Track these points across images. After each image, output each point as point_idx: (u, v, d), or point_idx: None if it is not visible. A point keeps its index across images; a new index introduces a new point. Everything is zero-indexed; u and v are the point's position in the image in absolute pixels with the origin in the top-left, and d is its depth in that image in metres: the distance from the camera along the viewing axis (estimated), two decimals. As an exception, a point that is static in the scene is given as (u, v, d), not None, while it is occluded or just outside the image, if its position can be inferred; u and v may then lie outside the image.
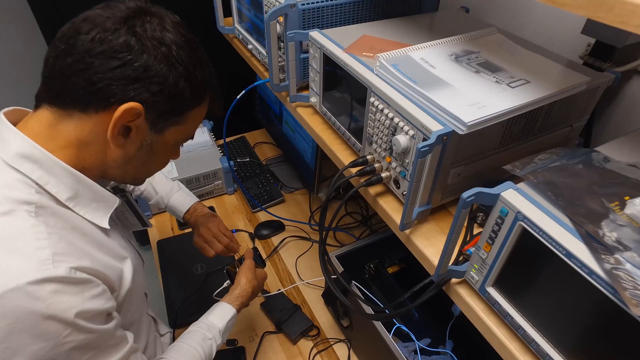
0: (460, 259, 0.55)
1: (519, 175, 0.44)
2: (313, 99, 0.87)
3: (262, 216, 1.45)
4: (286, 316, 1.10)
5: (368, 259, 1.11)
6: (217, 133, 1.69)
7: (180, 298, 1.13)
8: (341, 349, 1.07)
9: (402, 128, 0.57)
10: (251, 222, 1.44)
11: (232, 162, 1.47)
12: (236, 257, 1.04)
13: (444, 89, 0.57)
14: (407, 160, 0.59)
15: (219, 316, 0.85)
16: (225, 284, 0.98)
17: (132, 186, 1.07)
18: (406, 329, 0.94)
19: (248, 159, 1.68)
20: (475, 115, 0.50)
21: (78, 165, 0.59)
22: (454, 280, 0.54)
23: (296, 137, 1.43)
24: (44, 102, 0.57)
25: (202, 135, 1.62)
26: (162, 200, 1.07)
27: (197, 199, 1.11)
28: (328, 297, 1.02)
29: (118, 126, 0.56)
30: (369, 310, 0.83)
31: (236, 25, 1.17)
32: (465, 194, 0.41)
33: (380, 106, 0.62)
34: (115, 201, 0.65)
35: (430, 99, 0.55)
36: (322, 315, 1.14)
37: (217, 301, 0.90)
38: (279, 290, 1.18)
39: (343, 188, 1.41)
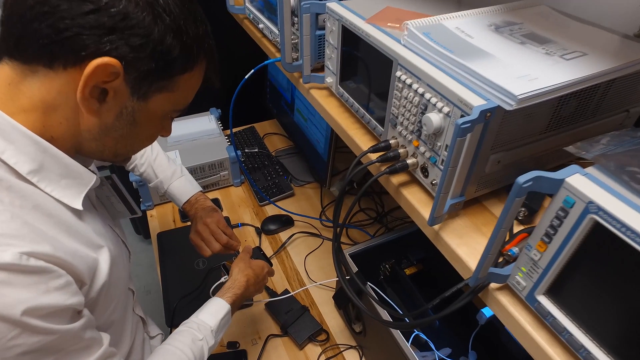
0: (500, 260, 0.47)
1: (586, 157, 0.36)
2: (329, 79, 0.80)
3: (270, 210, 1.39)
4: (293, 318, 1.03)
5: (383, 259, 1.04)
6: (225, 122, 1.62)
7: (178, 295, 1.07)
8: (352, 357, 0.99)
9: (435, 105, 0.50)
10: (258, 216, 1.37)
11: (239, 152, 1.40)
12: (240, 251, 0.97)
13: (485, 59, 0.49)
14: (438, 144, 0.51)
15: (211, 313, 0.78)
16: (222, 279, 0.91)
17: (132, 164, 1.01)
18: (425, 337, 0.86)
19: (256, 150, 1.62)
20: (526, 88, 0.43)
21: (45, 133, 0.51)
22: (492, 285, 0.46)
23: (308, 126, 1.36)
24: (3, 56, 0.49)
25: (209, 123, 1.56)
26: (162, 185, 1.02)
27: (200, 188, 1.04)
28: (340, 300, 0.94)
29: (90, 86, 0.48)
30: (386, 316, 0.76)
31: (247, 4, 1.10)
32: (522, 179, 0.34)
33: (409, 81, 0.54)
34: (91, 179, 0.57)
35: (471, 69, 0.47)
36: (332, 319, 1.07)
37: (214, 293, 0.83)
38: (286, 290, 1.11)
39: (357, 182, 1.34)
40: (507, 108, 0.43)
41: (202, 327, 0.75)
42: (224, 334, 1.03)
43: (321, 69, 0.83)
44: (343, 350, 1.00)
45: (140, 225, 2.28)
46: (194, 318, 0.76)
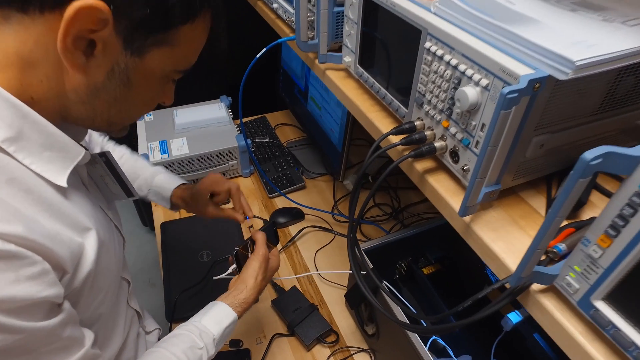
0: (543, 258, 0.41)
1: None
2: (347, 59, 0.74)
3: (280, 203, 1.33)
4: (300, 317, 0.97)
5: (399, 256, 0.98)
6: (235, 111, 1.57)
7: (180, 289, 1.02)
8: (363, 360, 0.94)
9: (471, 77, 0.43)
10: (267, 208, 1.32)
11: (249, 142, 1.35)
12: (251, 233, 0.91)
13: (532, 25, 0.43)
14: (473, 123, 0.45)
15: (216, 321, 0.70)
16: (230, 269, 0.84)
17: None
18: (443, 343, 0.80)
19: (267, 140, 1.57)
20: (585, 54, 0.36)
21: (23, 93, 0.44)
22: (534, 287, 0.40)
23: (322, 114, 1.30)
24: None
25: (219, 110, 1.51)
26: (146, 182, 0.93)
27: (180, 182, 0.97)
28: (352, 298, 0.89)
29: (72, 35, 0.41)
30: (403, 318, 0.70)
31: (260, -19, 1.05)
32: (589, 155, 0.28)
33: (440, 52, 0.48)
34: (78, 153, 0.51)
35: (516, 35, 0.41)
36: (342, 319, 1.01)
37: (217, 285, 0.77)
38: (294, 287, 1.06)
39: (373, 175, 1.28)
40: (561, 77, 0.36)
41: (204, 334, 0.67)
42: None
43: (338, 50, 0.77)
44: (354, 354, 0.94)
45: (147, 216, 2.25)
46: (196, 322, 0.69)
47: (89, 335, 0.52)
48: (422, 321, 0.79)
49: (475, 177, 0.42)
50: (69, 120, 0.51)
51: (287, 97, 1.64)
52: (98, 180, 0.65)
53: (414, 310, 0.59)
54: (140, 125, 1.46)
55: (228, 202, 0.98)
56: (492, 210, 0.49)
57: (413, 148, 0.53)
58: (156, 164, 1.28)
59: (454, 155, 0.50)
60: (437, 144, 0.51)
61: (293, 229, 1.24)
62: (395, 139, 0.56)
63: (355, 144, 1.34)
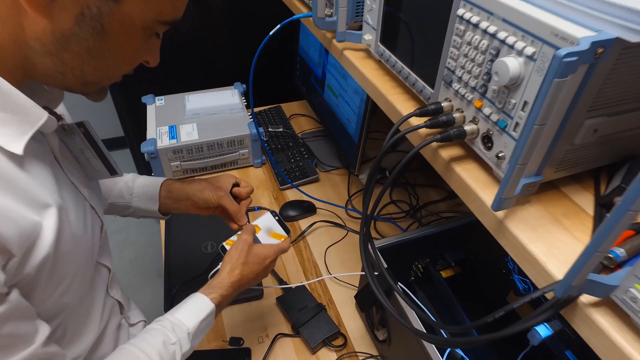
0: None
1: None
2: (367, 37, 0.68)
3: (292, 195, 1.28)
4: (307, 317, 0.91)
5: (416, 257, 0.91)
6: (249, 99, 1.52)
7: (181, 280, 0.97)
8: (372, 367, 0.87)
9: (513, 46, 0.37)
10: (277, 200, 1.27)
11: (261, 130, 1.30)
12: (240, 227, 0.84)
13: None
14: (513, 101, 0.38)
15: (192, 313, 0.64)
16: (220, 265, 0.78)
17: None
18: (462, 354, 0.73)
19: (281, 129, 1.51)
20: (664, 11, 0.29)
21: None
22: (584, 299, 0.33)
23: (339, 103, 1.24)
24: None
25: (232, 97, 1.46)
26: (127, 186, 0.82)
27: (165, 178, 0.88)
28: (363, 300, 0.82)
29: None
30: (419, 325, 0.64)
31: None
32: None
33: (475, 19, 0.41)
34: (39, 117, 0.45)
35: (573, -9, 0.34)
36: (351, 322, 0.95)
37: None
38: (302, 284, 1.00)
39: (390, 171, 1.21)
40: (634, 39, 0.29)
41: (177, 328, 0.62)
42: (227, 327, 0.93)
43: (358, 29, 0.71)
44: None
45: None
46: (169, 316, 0.64)
47: (42, 331, 0.47)
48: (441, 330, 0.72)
49: (515, 164, 0.35)
50: (36, 77, 0.45)
51: (304, 86, 1.58)
52: (78, 154, 0.60)
53: (432, 318, 0.52)
54: (151, 109, 1.42)
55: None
56: (529, 206, 0.42)
57: (439, 132, 0.46)
58: (164, 149, 1.24)
59: (487, 140, 0.43)
60: (468, 128, 0.45)
61: (303, 223, 1.18)
62: (418, 122, 0.49)
63: (372, 138, 1.28)
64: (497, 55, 0.39)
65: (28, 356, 0.43)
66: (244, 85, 1.56)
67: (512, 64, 0.36)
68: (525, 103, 0.37)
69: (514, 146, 0.39)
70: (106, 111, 2.60)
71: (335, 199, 1.25)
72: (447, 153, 0.49)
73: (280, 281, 1.01)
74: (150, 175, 1.32)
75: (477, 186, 0.44)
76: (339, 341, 0.91)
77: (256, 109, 1.64)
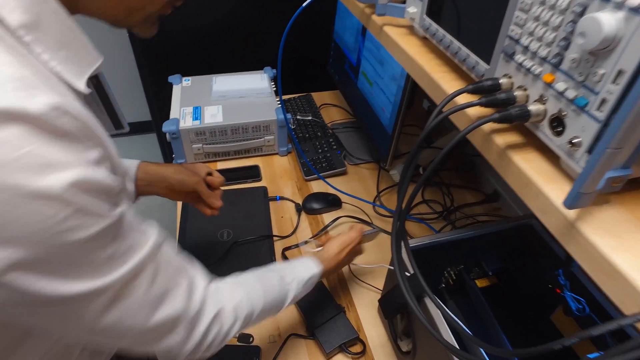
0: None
1: None
2: (412, 9, 0.61)
3: (316, 187, 1.21)
4: (324, 319, 0.85)
5: (448, 262, 0.83)
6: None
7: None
8: (391, 379, 0.80)
9: (609, -2, 0.29)
10: (301, 191, 1.20)
11: (289, 116, 1.23)
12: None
13: None
14: (601, 71, 0.30)
15: (301, 266, 0.74)
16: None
17: None
18: (497, 376, 0.65)
19: (310, 118, 1.45)
20: None
21: None
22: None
23: (374, 91, 1.16)
24: None
25: (261, 81, 1.40)
26: None
27: (140, 160, 0.84)
28: (388, 305, 0.75)
29: None
30: (452, 339, 0.56)
31: None
32: None
33: (554, -31, 0.34)
34: (96, 58, 0.45)
35: None
36: (371, 328, 0.87)
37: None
38: (320, 282, 0.93)
39: (425, 168, 1.13)
40: None
41: (291, 272, 0.70)
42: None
43: (401, 2, 0.64)
44: (381, 370, 0.81)
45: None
46: (280, 264, 0.73)
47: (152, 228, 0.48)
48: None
49: (604, 147, 0.27)
50: (80, 11, 0.44)
51: (336, 73, 1.51)
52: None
53: (469, 332, 0.45)
54: (177, 89, 1.38)
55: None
56: (608, 208, 0.34)
57: (495, 111, 0.39)
58: (186, 130, 1.20)
59: (557, 123, 0.35)
60: (533, 108, 0.37)
61: (327, 217, 1.12)
62: (470, 99, 0.42)
63: (406, 133, 1.20)
64: (582, 13, 0.31)
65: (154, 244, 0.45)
66: (274, 71, 1.50)
67: (606, 20, 0.28)
68: (620, 73, 0.29)
69: (597, 129, 0.31)
70: (135, 94, 2.61)
71: (362, 194, 1.18)
72: (502, 139, 0.41)
73: (298, 277, 0.95)
74: (172, 157, 1.28)
75: (541, 179, 0.36)
76: (356, 348, 0.84)
77: (285, 97, 1.59)
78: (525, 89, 0.39)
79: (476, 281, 0.80)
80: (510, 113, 0.37)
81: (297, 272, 0.72)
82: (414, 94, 1.15)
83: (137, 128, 2.84)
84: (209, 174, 0.86)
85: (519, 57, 0.39)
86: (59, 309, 0.38)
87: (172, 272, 0.48)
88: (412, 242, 0.76)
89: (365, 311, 0.90)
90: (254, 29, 1.63)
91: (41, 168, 0.32)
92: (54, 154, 0.33)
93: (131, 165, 0.80)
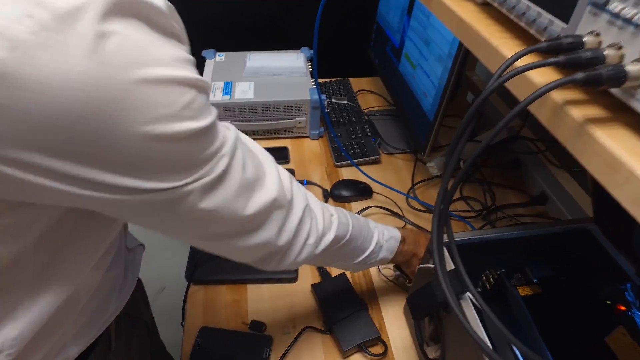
0: None
1: None
2: (471, -32, 0.52)
3: (347, 174, 1.14)
4: (344, 314, 0.78)
5: (487, 265, 0.74)
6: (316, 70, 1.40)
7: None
8: (413, 387, 0.73)
9: None
10: (330, 177, 1.14)
11: (324, 97, 1.17)
12: None
13: None
14: None
15: (386, 227, 0.74)
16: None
17: None
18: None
19: (345, 102, 1.37)
20: None
21: None
22: None
23: (417, 74, 1.08)
24: None
25: (297, 60, 1.34)
26: None
27: None
28: (418, 304, 0.67)
29: None
30: (489, 348, 0.48)
31: None
32: None
33: None
34: None
35: None
36: (395, 329, 0.80)
37: None
38: (343, 274, 0.87)
39: (465, 160, 1.05)
40: None
41: (375, 227, 0.71)
42: (250, 307, 0.82)
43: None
44: (402, 376, 0.74)
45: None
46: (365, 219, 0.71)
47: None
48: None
49: None
50: None
51: (376, 57, 1.43)
52: None
53: (522, 346, 0.37)
54: (209, 63, 1.34)
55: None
56: None
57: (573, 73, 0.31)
58: (215, 104, 1.15)
59: (665, 88, 0.27)
60: (632, 68, 0.29)
61: (356, 207, 1.05)
62: (539, 59, 0.34)
63: (447, 125, 1.12)
64: None
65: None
66: (312, 51, 1.44)
67: None
68: None
69: None
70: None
71: (395, 185, 1.10)
72: (580, 112, 0.33)
73: (319, 268, 0.89)
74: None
75: (635, 160, 0.28)
76: (377, 349, 0.77)
77: (321, 80, 1.52)
78: (619, 47, 0.31)
79: (519, 288, 0.71)
80: (600, 73, 0.29)
81: (380, 226, 0.72)
82: (460, 79, 1.07)
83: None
84: None
85: (615, 6, 0.31)
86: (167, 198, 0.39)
87: (258, 160, 0.49)
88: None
89: (390, 310, 0.83)
90: (292, 7, 1.57)
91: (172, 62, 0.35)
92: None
93: None
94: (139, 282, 0.91)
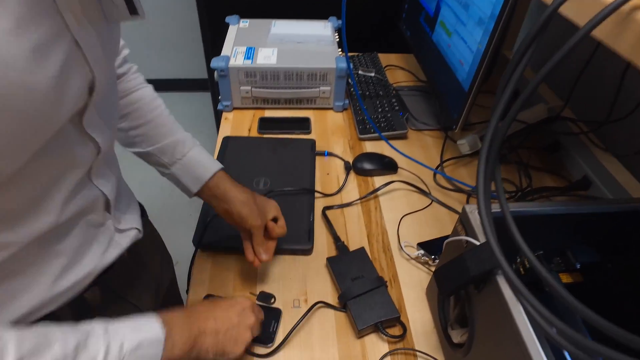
0: None
1: None
2: None
3: (370, 148, 1.07)
4: (360, 290, 0.71)
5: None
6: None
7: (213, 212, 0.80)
8: (433, 375, 0.65)
9: None
10: (353, 150, 1.06)
11: (351, 66, 1.09)
12: None
13: None
14: None
15: (133, 329, 0.47)
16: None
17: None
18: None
19: (373, 74, 1.29)
20: None
21: None
22: None
23: (452, 42, 0.99)
24: None
25: (324, 29, 1.27)
26: (179, 148, 0.69)
27: (221, 165, 0.73)
28: (446, 278, 0.58)
29: None
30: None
31: None
32: None
33: None
34: None
35: None
36: (415, 311, 0.73)
37: None
38: (362, 249, 0.80)
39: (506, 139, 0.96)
40: None
41: (109, 344, 0.43)
42: (259, 278, 0.76)
43: None
44: (422, 362, 0.66)
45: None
46: (104, 323, 0.46)
47: None
48: None
49: None
50: None
51: (408, 29, 1.34)
52: None
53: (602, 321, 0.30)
54: (232, 29, 1.27)
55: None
56: None
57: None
58: (236, 68, 1.09)
59: None
60: None
61: (378, 181, 0.97)
62: None
63: (479, 104, 1.03)
64: None
65: None
66: (340, 21, 1.36)
67: None
68: None
69: None
70: (193, 48, 2.57)
71: (423, 161, 1.02)
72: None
73: (337, 238, 0.82)
74: (217, 100, 1.18)
75: None
76: (395, 330, 0.70)
77: (349, 53, 1.44)
78: None
79: (560, 275, 0.63)
80: None
81: (117, 342, 0.44)
82: (501, 43, 0.97)
83: (193, 85, 2.81)
84: (275, 219, 0.73)
85: None
86: None
87: None
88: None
89: (411, 292, 0.76)
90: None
91: None
92: None
93: (209, 168, 0.70)
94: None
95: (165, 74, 2.79)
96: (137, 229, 0.64)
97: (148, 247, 0.75)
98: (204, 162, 0.70)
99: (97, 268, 0.56)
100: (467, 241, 0.56)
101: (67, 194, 0.47)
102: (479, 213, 0.44)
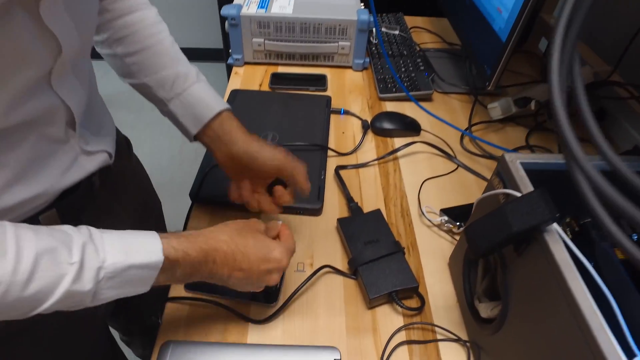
0: None
1: None
2: None
3: (391, 108, 0.97)
4: (374, 255, 0.62)
5: (568, 208, 0.56)
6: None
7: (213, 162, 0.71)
8: (452, 355, 0.56)
9: None
10: (372, 109, 0.97)
11: (375, 20, 0.98)
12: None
13: None
14: None
15: (122, 245, 0.40)
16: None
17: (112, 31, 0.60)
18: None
19: (397, 32, 1.18)
20: None
21: None
22: None
23: (490, -12, 0.87)
24: None
25: (345, -18, 1.15)
26: (180, 82, 0.60)
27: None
28: (480, 237, 0.46)
29: None
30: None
31: None
32: None
33: None
34: None
35: None
36: (436, 283, 0.64)
37: None
38: (378, 210, 0.70)
39: (537, 100, 0.85)
40: None
41: (89, 249, 0.38)
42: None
43: None
44: (441, 340, 0.57)
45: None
46: (96, 234, 0.40)
47: None
48: None
49: None
50: None
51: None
52: None
53: None
54: (248, -20, 1.17)
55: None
56: None
57: None
58: (248, 17, 0.99)
59: None
60: None
61: (399, 142, 0.87)
62: None
63: (510, 69, 0.91)
64: None
65: None
66: (364, -23, 1.24)
67: None
68: None
69: None
70: (208, 16, 2.47)
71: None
72: None
73: (350, 199, 0.73)
74: (228, 54, 1.08)
75: None
76: (412, 303, 0.61)
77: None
78: None
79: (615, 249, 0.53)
80: None
81: (101, 255, 0.39)
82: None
83: (208, 55, 2.71)
84: (282, 182, 0.63)
85: None
86: None
87: None
88: (524, 159, 0.50)
89: (431, 262, 0.66)
90: None
91: None
92: None
93: (212, 105, 0.60)
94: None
95: (180, 43, 2.71)
96: (107, 152, 0.56)
97: (128, 183, 0.68)
98: (207, 100, 0.60)
99: (53, 188, 0.49)
100: (507, 195, 0.46)
101: (15, 94, 0.39)
102: (553, 106, 0.33)
